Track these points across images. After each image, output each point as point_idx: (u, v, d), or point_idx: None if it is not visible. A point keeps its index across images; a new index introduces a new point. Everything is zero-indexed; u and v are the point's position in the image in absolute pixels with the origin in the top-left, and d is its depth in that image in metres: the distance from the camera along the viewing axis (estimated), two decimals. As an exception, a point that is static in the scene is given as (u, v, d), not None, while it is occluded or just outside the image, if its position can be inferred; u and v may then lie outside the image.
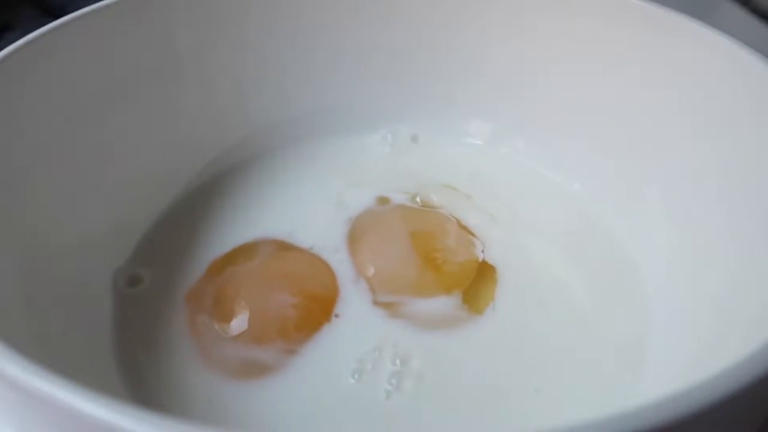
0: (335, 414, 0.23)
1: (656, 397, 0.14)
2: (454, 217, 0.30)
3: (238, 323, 0.25)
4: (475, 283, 0.27)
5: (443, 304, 0.26)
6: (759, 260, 0.23)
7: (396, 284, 0.27)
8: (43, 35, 0.26)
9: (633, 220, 0.30)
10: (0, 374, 0.15)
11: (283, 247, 0.28)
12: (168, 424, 0.13)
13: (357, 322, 0.26)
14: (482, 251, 0.29)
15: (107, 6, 0.28)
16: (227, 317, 0.25)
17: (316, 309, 0.26)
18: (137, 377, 0.24)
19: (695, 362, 0.22)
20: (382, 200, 0.31)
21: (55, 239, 0.25)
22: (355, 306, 0.26)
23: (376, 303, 0.26)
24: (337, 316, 0.26)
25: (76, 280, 0.25)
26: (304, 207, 0.31)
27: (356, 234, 0.29)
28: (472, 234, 0.30)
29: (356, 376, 0.24)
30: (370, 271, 0.27)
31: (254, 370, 0.24)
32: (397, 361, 0.24)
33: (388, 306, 0.26)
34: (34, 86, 0.26)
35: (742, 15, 0.41)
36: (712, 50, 0.27)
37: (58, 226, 0.25)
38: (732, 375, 0.14)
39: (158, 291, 0.27)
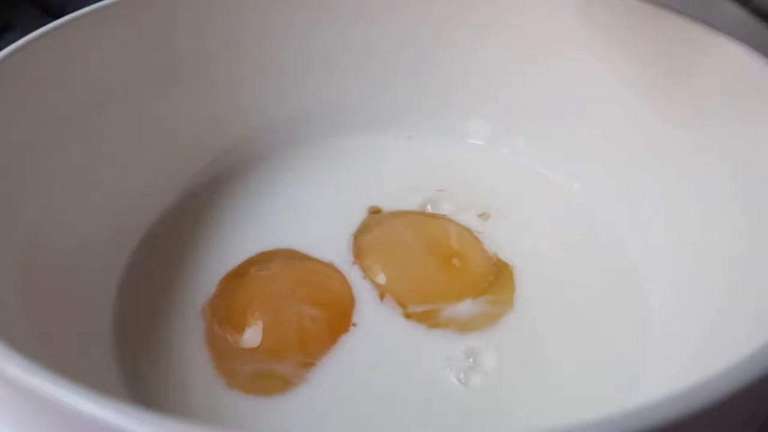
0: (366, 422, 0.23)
1: (656, 397, 0.14)
2: (455, 221, 0.30)
3: (256, 337, 0.24)
4: (495, 281, 0.27)
5: (472, 306, 0.26)
6: (760, 260, 0.23)
7: (424, 294, 0.26)
8: (43, 35, 0.26)
9: (633, 219, 0.30)
10: (0, 374, 0.15)
11: (297, 257, 0.28)
12: (168, 424, 0.13)
13: (378, 332, 0.25)
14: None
15: (107, 6, 0.28)
16: (244, 331, 0.25)
17: (335, 320, 0.25)
18: (138, 378, 0.24)
19: (695, 362, 0.22)
20: (374, 210, 0.31)
21: (54, 240, 0.25)
22: (374, 316, 0.26)
23: (409, 315, 0.26)
24: (354, 325, 0.25)
25: (76, 281, 0.25)
26: (307, 213, 0.31)
27: (365, 250, 0.28)
28: (474, 234, 0.30)
29: (383, 386, 0.24)
30: (394, 286, 0.27)
31: (273, 385, 0.23)
32: (472, 360, 0.24)
33: (422, 316, 0.26)
34: (33, 86, 0.26)
35: (742, 15, 0.41)
36: (712, 50, 0.27)
37: (57, 227, 0.25)
38: (732, 375, 0.14)
39: (158, 292, 0.27)
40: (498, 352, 0.25)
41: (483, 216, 0.31)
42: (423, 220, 0.30)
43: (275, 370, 0.24)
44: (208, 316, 0.26)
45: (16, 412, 0.16)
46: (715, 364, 0.15)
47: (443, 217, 0.30)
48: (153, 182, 0.31)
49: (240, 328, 0.25)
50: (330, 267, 0.28)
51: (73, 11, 0.27)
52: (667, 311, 0.26)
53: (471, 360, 0.24)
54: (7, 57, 0.25)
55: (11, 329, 0.19)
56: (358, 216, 0.30)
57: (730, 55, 0.26)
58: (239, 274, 0.27)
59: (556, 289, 0.27)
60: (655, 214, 0.29)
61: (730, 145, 0.26)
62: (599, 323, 0.26)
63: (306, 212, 0.31)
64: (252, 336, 0.25)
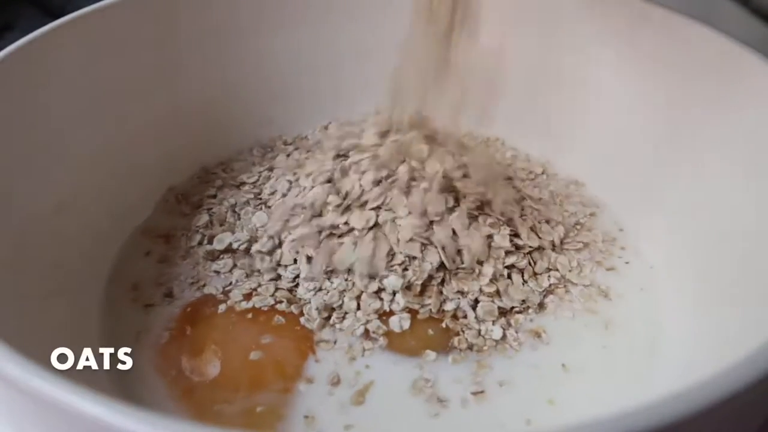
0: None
1: (658, 396, 0.14)
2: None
3: (234, 376, 0.24)
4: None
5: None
6: (761, 261, 0.23)
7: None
8: (43, 35, 0.26)
9: (640, 219, 0.30)
10: (0, 374, 0.15)
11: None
12: (167, 424, 0.13)
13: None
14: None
15: (107, 6, 0.28)
16: (216, 375, 0.24)
17: (299, 342, 0.25)
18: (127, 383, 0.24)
19: (697, 362, 0.23)
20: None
21: (49, 243, 0.25)
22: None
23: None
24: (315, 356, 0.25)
25: (65, 280, 0.25)
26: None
27: None
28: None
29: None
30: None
31: (269, 418, 0.23)
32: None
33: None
34: (34, 86, 0.26)
35: (742, 15, 0.41)
36: (712, 50, 0.27)
37: (51, 228, 0.25)
38: (732, 375, 0.14)
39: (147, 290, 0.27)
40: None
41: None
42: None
43: (260, 402, 0.23)
44: (167, 364, 0.24)
45: (16, 412, 0.16)
46: (716, 364, 0.15)
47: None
48: (149, 180, 0.31)
49: (212, 371, 0.24)
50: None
51: (73, 11, 0.27)
52: (672, 311, 0.26)
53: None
54: (7, 57, 0.25)
55: (9, 330, 0.19)
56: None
57: (730, 55, 0.26)
58: (194, 317, 0.26)
59: (565, 292, 0.27)
60: (662, 214, 0.29)
61: (731, 144, 0.26)
62: (605, 324, 0.26)
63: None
64: (229, 376, 0.24)
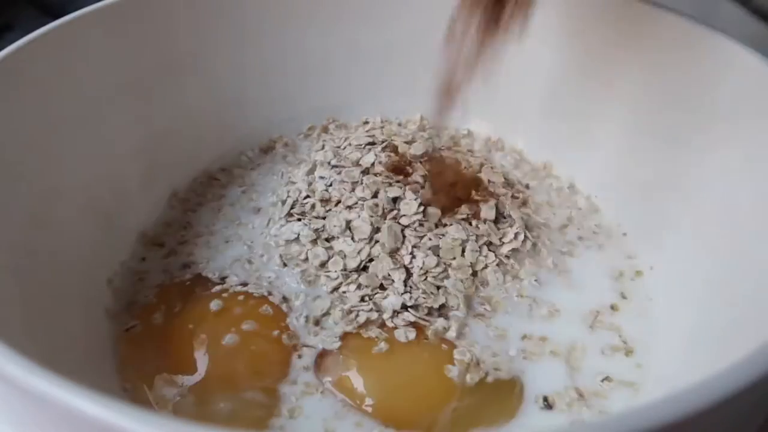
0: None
1: (656, 397, 0.14)
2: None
3: (209, 377, 0.23)
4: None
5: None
6: (760, 262, 0.23)
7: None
8: (43, 35, 0.26)
9: (641, 219, 0.30)
10: (0, 374, 0.15)
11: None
12: (167, 424, 0.13)
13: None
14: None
15: (107, 6, 0.28)
16: (198, 375, 0.24)
17: (281, 339, 0.25)
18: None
19: (696, 362, 0.23)
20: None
21: (48, 244, 0.25)
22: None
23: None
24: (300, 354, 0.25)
25: (70, 281, 0.25)
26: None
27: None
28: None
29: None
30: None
31: (256, 416, 0.23)
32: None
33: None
34: (34, 86, 0.26)
35: (742, 15, 0.41)
36: (712, 50, 0.27)
37: (51, 227, 0.25)
38: (732, 375, 0.14)
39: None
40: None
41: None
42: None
43: (245, 400, 0.23)
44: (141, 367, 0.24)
45: (16, 412, 0.16)
46: (715, 364, 0.15)
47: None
48: (150, 183, 0.31)
49: (192, 374, 0.23)
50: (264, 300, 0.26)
51: (73, 11, 0.27)
52: (670, 312, 0.26)
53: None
54: (7, 57, 0.25)
55: (10, 330, 0.19)
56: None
57: (731, 55, 0.26)
58: (186, 296, 0.26)
59: (563, 291, 0.27)
60: (660, 213, 0.29)
61: (731, 143, 0.26)
62: (603, 323, 0.26)
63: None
64: (205, 378, 0.23)
